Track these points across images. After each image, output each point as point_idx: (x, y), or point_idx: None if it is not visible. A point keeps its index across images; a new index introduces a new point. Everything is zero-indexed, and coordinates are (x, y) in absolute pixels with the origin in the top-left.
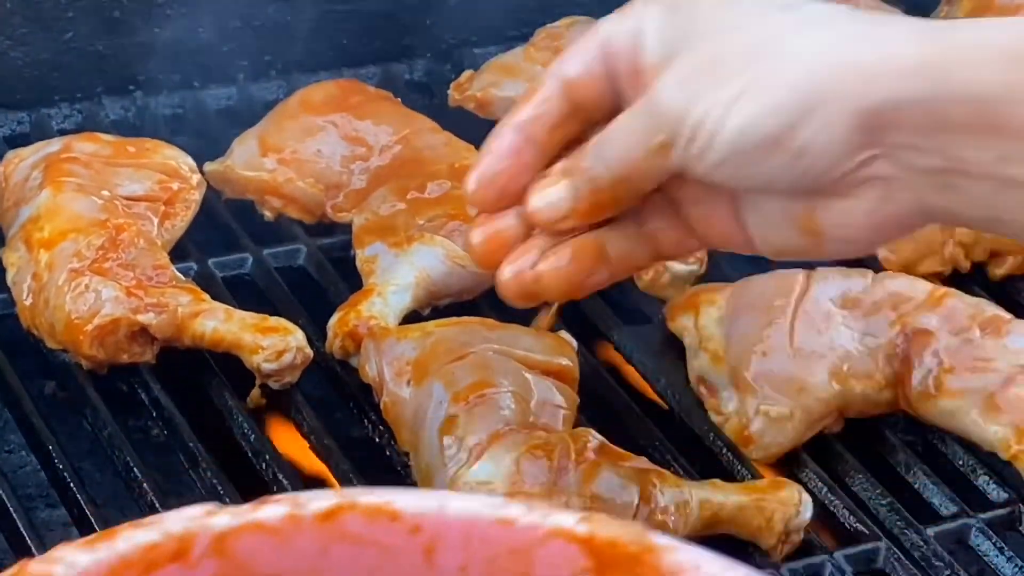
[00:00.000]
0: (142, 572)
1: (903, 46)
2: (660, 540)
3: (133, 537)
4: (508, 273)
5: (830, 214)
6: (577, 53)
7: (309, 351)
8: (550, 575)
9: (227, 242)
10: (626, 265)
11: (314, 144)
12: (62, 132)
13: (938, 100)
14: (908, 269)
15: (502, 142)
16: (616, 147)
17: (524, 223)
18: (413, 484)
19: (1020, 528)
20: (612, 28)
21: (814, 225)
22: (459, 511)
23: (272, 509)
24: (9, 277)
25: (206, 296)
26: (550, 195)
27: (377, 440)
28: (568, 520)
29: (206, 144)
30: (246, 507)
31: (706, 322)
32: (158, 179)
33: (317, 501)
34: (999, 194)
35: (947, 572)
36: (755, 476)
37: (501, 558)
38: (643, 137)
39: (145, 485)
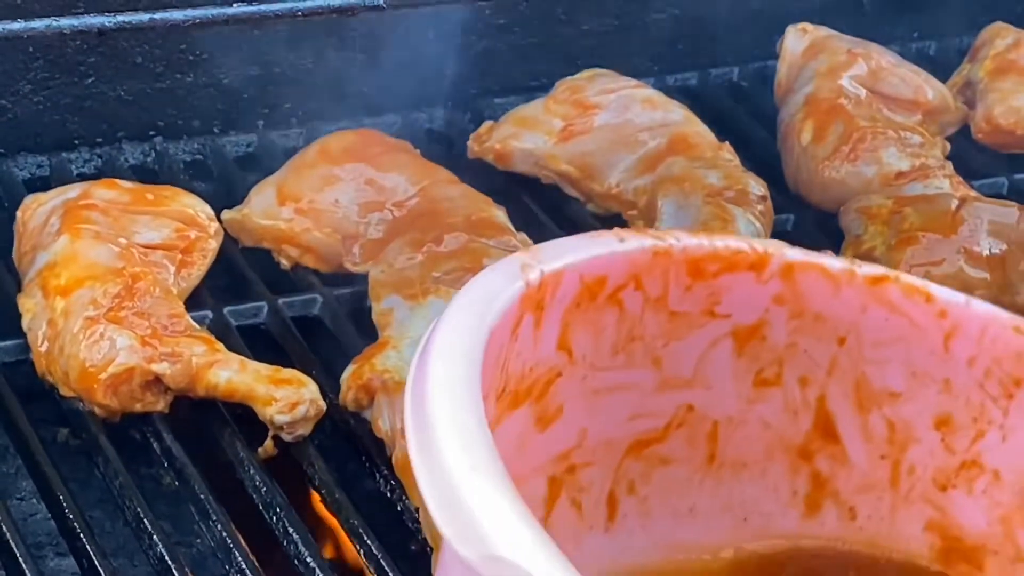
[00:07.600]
0: (725, 268)
1: None
2: None
3: (727, 240)
4: None
5: None
6: None
7: (322, 403)
8: None
9: (243, 291)
10: None
11: (332, 194)
12: (82, 177)
13: None
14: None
15: None
16: None
17: None
18: (423, 541)
19: None
20: None
21: None
22: (982, 310)
23: (833, 260)
24: (24, 323)
25: (220, 346)
26: None
27: (389, 495)
28: None
29: (224, 191)
30: (813, 252)
31: None
32: (176, 227)
33: (868, 267)
34: None
35: None
36: None
37: (1006, 360)
38: None
39: (155, 536)
